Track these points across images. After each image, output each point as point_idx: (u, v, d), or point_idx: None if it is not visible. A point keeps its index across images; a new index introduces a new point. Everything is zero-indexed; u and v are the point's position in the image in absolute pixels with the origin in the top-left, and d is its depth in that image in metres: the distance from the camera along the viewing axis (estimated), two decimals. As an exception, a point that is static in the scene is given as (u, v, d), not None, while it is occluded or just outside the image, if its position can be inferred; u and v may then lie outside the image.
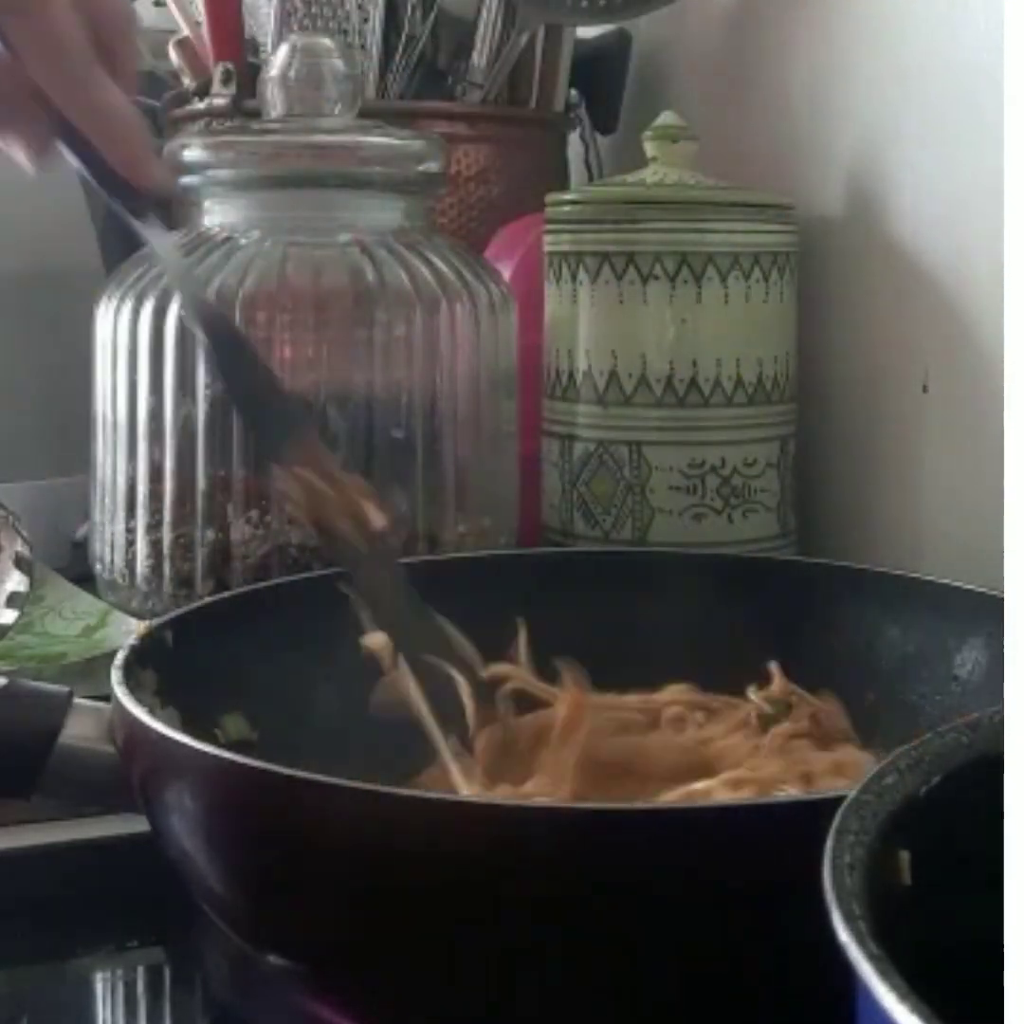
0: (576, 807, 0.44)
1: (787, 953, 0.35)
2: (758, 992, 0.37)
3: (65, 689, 0.47)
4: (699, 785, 0.48)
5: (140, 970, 0.52)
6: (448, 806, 0.38)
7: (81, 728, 0.46)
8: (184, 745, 0.40)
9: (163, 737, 0.41)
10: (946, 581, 0.55)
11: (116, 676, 0.46)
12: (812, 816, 0.28)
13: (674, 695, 0.55)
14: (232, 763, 0.39)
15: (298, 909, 0.39)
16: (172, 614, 0.54)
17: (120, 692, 0.44)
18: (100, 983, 0.52)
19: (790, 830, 0.33)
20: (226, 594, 0.60)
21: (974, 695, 0.52)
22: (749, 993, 0.37)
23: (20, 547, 0.69)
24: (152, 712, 0.45)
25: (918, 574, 0.57)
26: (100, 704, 0.45)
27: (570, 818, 0.37)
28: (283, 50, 0.74)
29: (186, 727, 0.48)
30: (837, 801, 0.28)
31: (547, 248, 0.78)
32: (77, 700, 0.46)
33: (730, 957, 0.36)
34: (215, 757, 0.40)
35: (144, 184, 0.56)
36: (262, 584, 0.61)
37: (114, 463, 0.73)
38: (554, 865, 0.36)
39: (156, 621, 0.53)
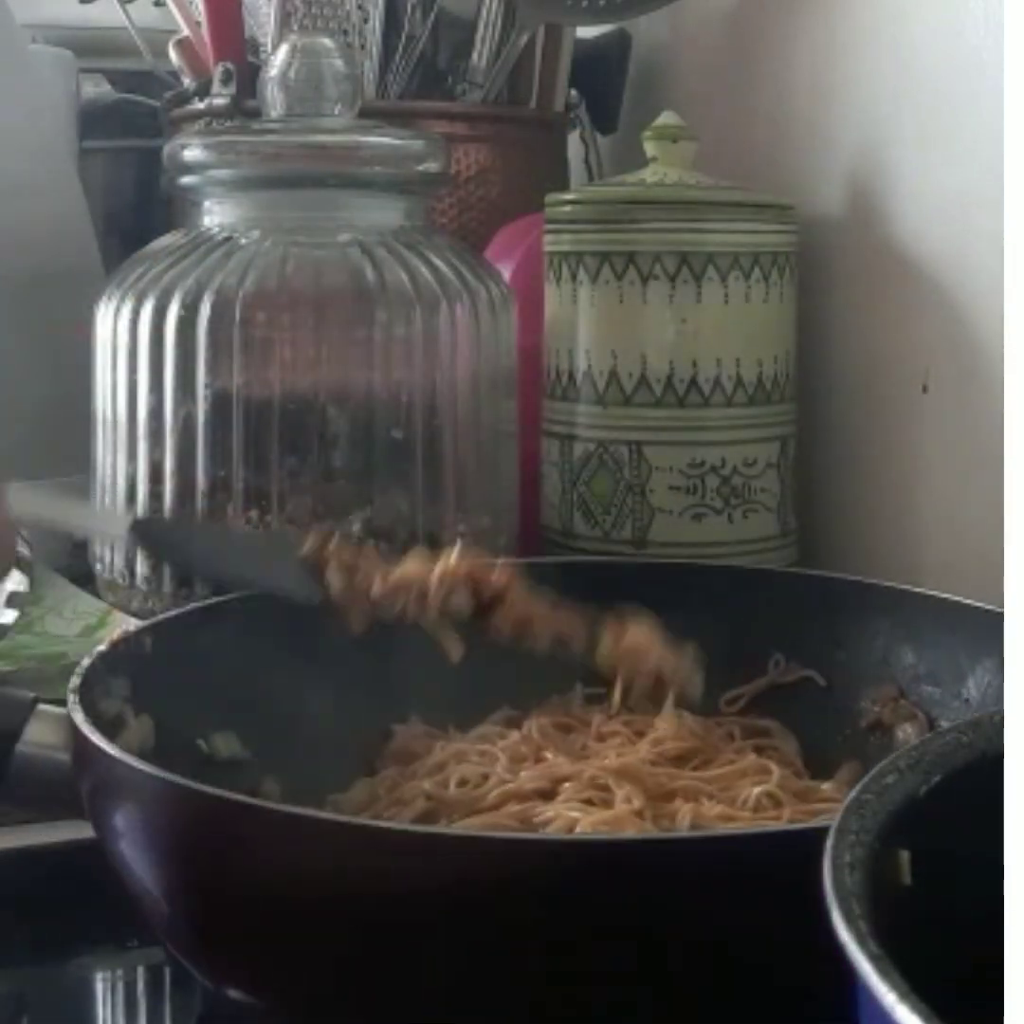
0: (531, 838, 0.43)
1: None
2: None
3: (29, 695, 0.46)
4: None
5: (140, 970, 0.52)
6: (404, 837, 0.37)
7: (41, 735, 0.45)
8: (125, 764, 0.39)
9: (105, 755, 0.40)
10: (961, 599, 0.54)
11: (74, 682, 0.45)
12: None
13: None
14: (169, 785, 0.38)
15: (248, 940, 0.38)
16: (150, 620, 0.53)
17: (72, 700, 0.43)
18: (100, 983, 0.52)
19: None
20: (213, 599, 0.59)
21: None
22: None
23: (20, 547, 0.69)
24: (122, 721, 0.44)
25: (934, 592, 0.56)
26: (64, 711, 0.44)
27: (525, 850, 0.36)
28: (283, 50, 0.74)
29: (163, 738, 0.47)
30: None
31: (547, 248, 0.78)
32: (41, 707, 0.46)
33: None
34: (154, 778, 0.38)
35: None
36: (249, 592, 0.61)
37: (114, 463, 0.73)
38: (523, 898, 0.35)
39: (132, 627, 0.52)
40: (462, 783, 0.51)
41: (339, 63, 0.74)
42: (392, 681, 0.56)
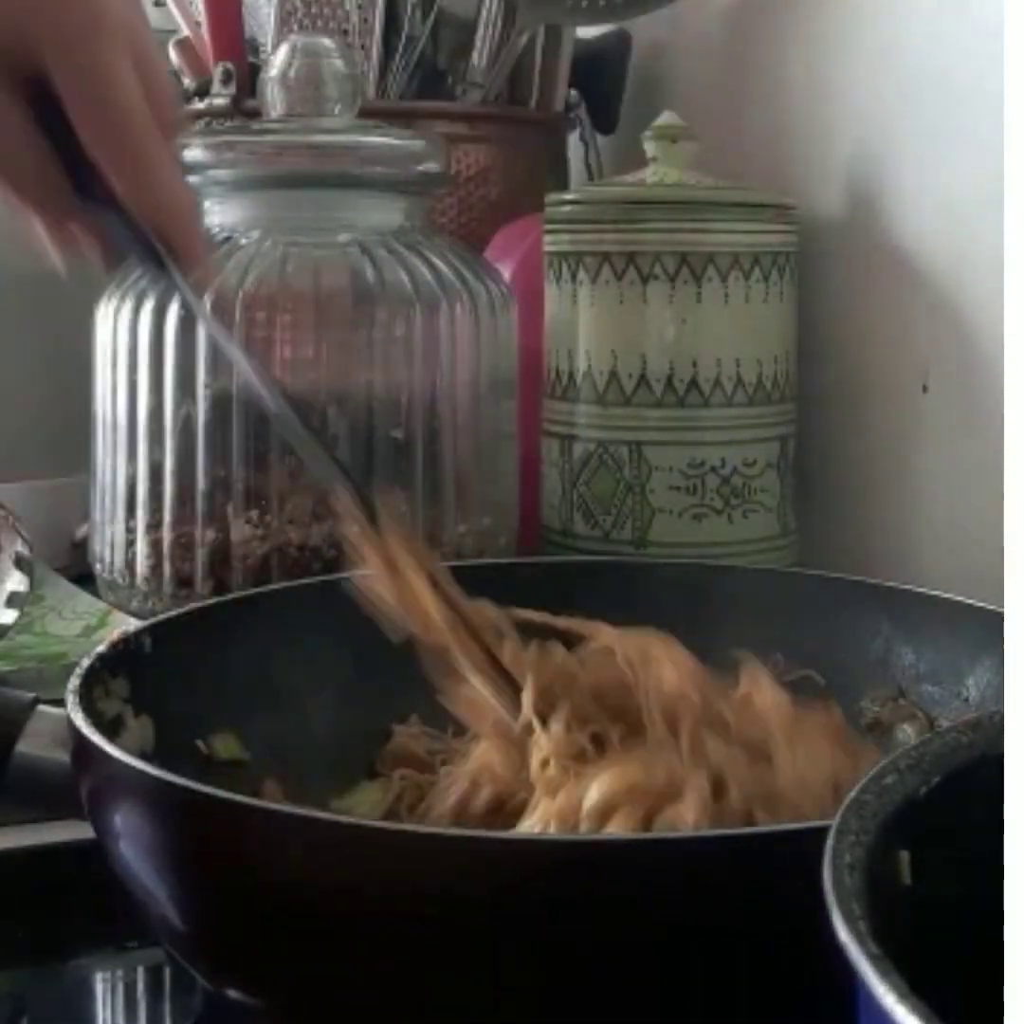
0: (535, 839, 0.42)
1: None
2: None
3: (29, 695, 0.46)
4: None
5: (140, 970, 0.52)
6: (400, 837, 0.37)
7: (41, 736, 0.44)
8: (125, 765, 0.39)
9: (105, 755, 0.40)
10: (961, 599, 0.54)
11: (74, 682, 0.44)
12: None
13: None
14: (170, 786, 0.38)
15: (249, 941, 0.38)
16: (150, 620, 0.53)
17: (72, 700, 0.43)
18: (100, 983, 0.52)
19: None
20: (212, 600, 0.60)
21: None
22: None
23: (20, 547, 0.69)
24: (121, 721, 0.44)
25: (934, 592, 0.56)
26: (64, 712, 0.44)
27: (525, 851, 0.36)
28: (283, 50, 0.74)
29: (163, 739, 0.47)
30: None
31: (547, 248, 0.78)
32: (41, 707, 0.45)
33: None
34: (155, 778, 0.38)
35: (189, 269, 0.53)
36: (254, 590, 0.61)
37: (114, 463, 0.73)
38: (524, 899, 0.35)
39: (132, 627, 0.52)
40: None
41: (339, 63, 0.74)
42: (392, 681, 0.56)
